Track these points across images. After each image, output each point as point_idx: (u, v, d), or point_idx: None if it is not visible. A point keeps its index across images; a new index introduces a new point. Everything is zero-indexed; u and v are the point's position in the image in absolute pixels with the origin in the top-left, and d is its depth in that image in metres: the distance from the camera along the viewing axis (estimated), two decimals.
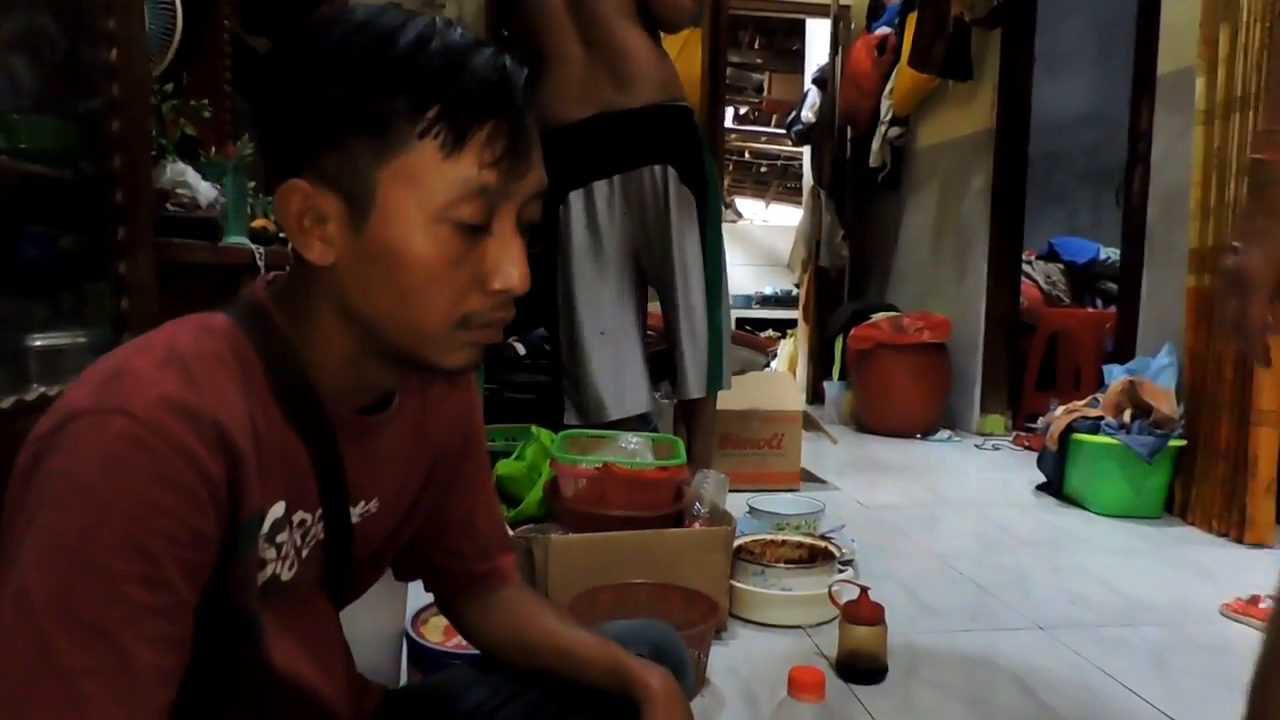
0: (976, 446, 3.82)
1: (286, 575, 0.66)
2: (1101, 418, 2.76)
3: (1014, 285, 4.10)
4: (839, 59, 5.07)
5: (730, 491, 2.03)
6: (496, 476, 2.12)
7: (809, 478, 3.05)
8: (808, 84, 5.62)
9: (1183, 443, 2.62)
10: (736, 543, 1.86)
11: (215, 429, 0.56)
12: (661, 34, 2.40)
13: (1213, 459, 2.54)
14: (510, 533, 1.74)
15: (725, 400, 2.57)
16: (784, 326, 7.01)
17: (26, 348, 1.21)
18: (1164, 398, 2.66)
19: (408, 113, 0.60)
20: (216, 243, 1.62)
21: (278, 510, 0.64)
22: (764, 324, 7.18)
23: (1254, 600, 1.88)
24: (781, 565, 1.83)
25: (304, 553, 0.68)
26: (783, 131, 7.33)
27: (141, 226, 1.32)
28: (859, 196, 5.18)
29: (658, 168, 2.31)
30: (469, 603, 0.91)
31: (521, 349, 3.05)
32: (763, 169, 11.02)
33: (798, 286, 6.18)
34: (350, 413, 0.70)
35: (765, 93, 8.19)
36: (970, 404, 4.11)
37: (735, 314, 6.58)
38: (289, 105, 0.63)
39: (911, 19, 4.16)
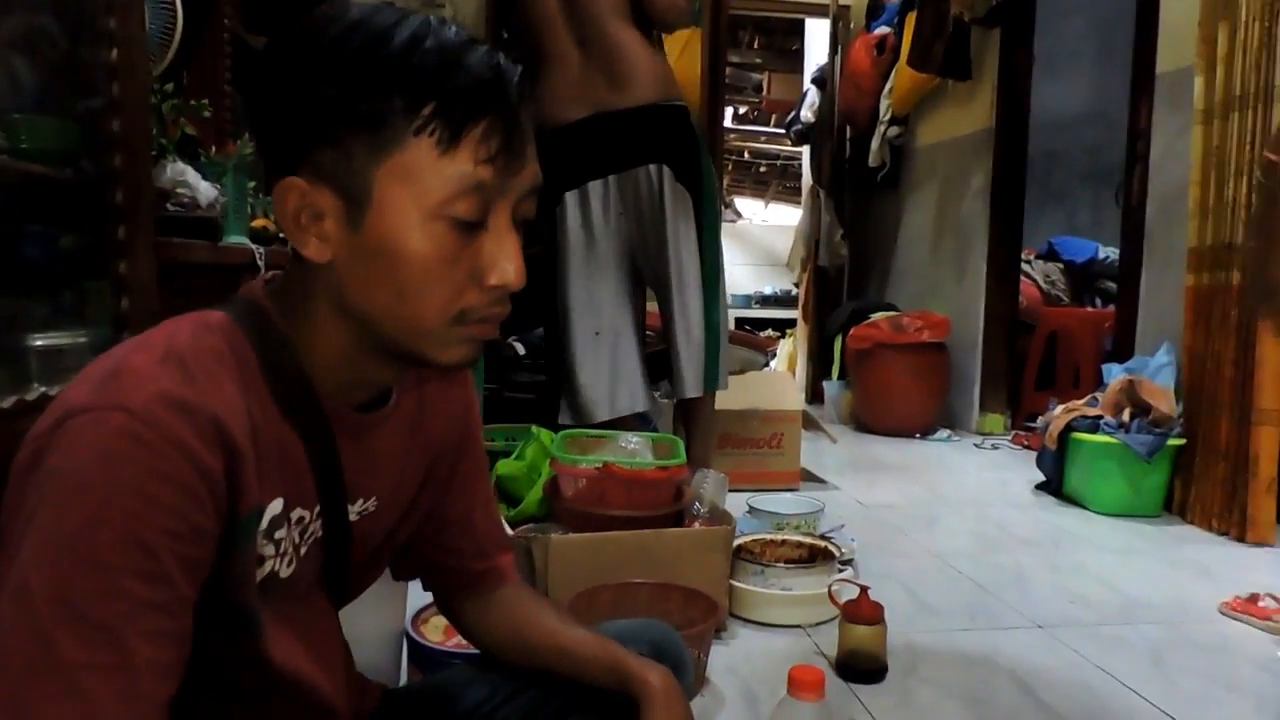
0: (976, 446, 3.82)
1: (285, 572, 0.66)
2: (1100, 417, 2.76)
3: (1013, 284, 4.10)
4: (838, 59, 5.07)
5: (730, 491, 2.03)
6: (496, 476, 2.11)
7: (808, 477, 3.05)
8: (807, 84, 5.62)
9: (1181, 441, 2.62)
10: (736, 542, 1.86)
11: (214, 425, 0.56)
12: (662, 35, 2.40)
13: (1213, 458, 2.54)
14: (510, 532, 1.75)
15: (724, 400, 2.56)
16: (783, 326, 7.01)
17: (27, 347, 1.21)
18: (1163, 397, 2.66)
19: (403, 110, 0.61)
20: (217, 242, 1.63)
21: (276, 507, 0.64)
22: (763, 323, 7.18)
23: (1253, 599, 1.88)
24: (781, 565, 1.83)
25: (302, 550, 0.68)
26: (782, 131, 7.33)
27: (142, 226, 1.32)
28: (858, 196, 5.18)
29: (653, 167, 2.30)
30: (468, 602, 0.91)
31: (521, 349, 3.05)
32: (762, 168, 11.02)
33: (797, 286, 6.18)
34: (348, 410, 0.70)
35: (765, 92, 8.20)
36: (969, 403, 4.11)
37: (734, 313, 6.63)
38: (285, 104, 0.63)
39: (911, 18, 4.16)
